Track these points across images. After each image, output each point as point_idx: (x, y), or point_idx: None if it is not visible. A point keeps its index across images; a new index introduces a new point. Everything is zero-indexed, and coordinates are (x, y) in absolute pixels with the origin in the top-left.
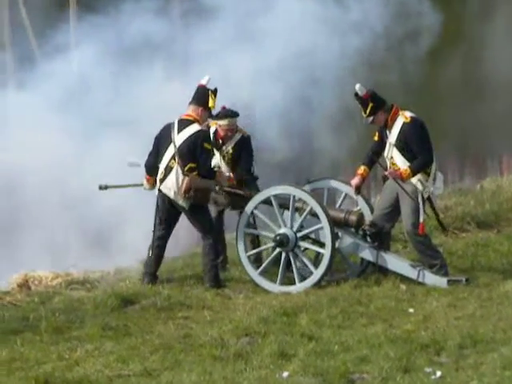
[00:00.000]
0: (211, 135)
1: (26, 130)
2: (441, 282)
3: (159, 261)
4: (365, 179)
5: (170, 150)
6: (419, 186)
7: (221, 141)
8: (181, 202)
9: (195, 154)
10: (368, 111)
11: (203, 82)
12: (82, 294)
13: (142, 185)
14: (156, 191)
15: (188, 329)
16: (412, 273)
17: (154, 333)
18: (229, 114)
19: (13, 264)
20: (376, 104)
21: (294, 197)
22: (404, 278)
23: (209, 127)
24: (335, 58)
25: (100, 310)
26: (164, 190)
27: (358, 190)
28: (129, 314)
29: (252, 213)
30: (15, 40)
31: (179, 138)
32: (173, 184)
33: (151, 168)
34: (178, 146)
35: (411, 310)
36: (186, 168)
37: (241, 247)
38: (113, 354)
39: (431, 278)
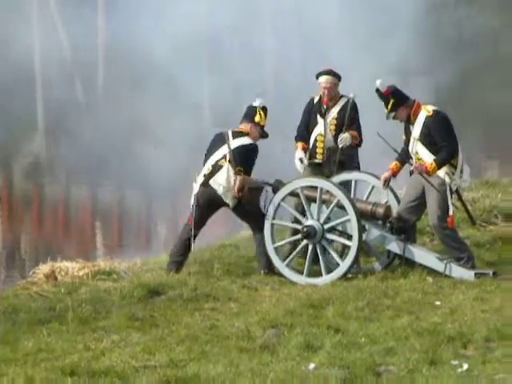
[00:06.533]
0: (315, 102)
1: None
2: (468, 274)
3: (187, 252)
4: (395, 174)
5: (222, 150)
6: (447, 179)
7: (325, 106)
8: (228, 199)
9: (246, 162)
10: (389, 107)
11: (255, 104)
12: (109, 285)
13: None
14: (196, 186)
15: (214, 320)
16: (439, 265)
17: (180, 324)
18: (328, 72)
19: None
20: (397, 100)
21: (321, 189)
22: (431, 271)
23: (312, 98)
24: None
25: (126, 301)
26: (213, 185)
27: (386, 183)
28: (155, 305)
29: (279, 204)
30: None
31: (234, 142)
32: (223, 180)
33: None
34: (232, 148)
35: (438, 303)
36: (236, 169)
37: (268, 239)
38: (139, 344)
39: (458, 271)
